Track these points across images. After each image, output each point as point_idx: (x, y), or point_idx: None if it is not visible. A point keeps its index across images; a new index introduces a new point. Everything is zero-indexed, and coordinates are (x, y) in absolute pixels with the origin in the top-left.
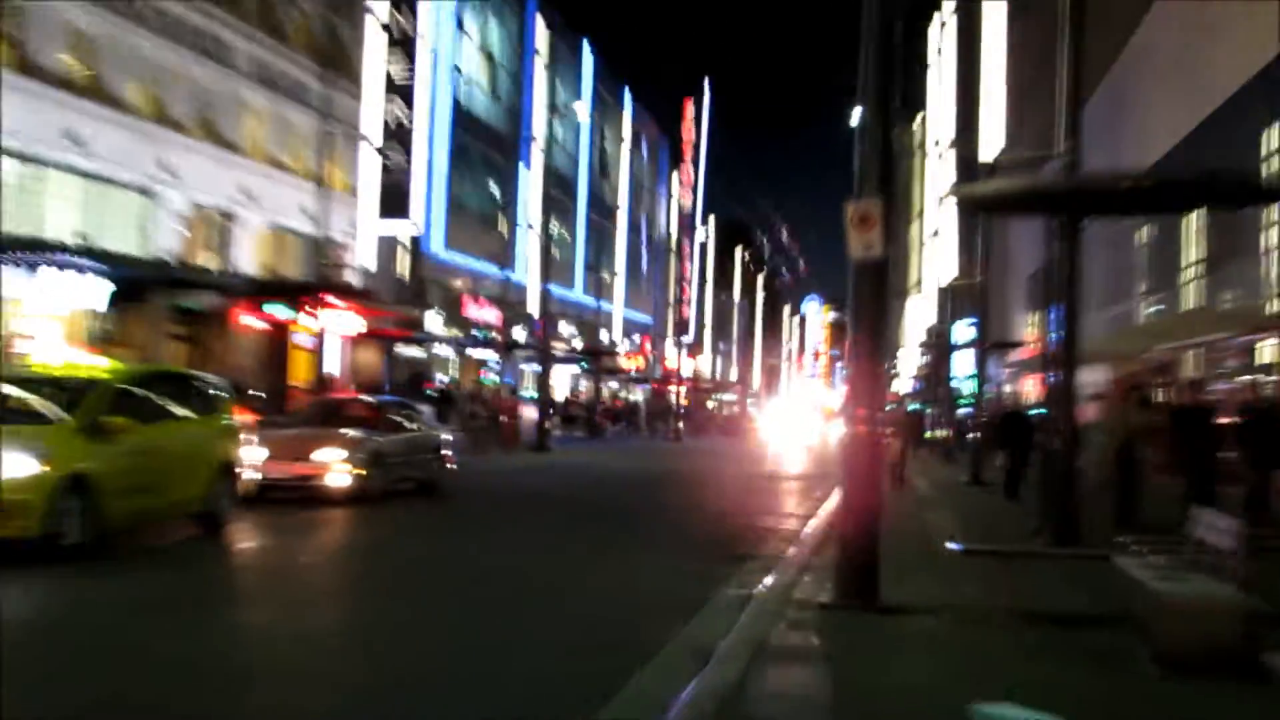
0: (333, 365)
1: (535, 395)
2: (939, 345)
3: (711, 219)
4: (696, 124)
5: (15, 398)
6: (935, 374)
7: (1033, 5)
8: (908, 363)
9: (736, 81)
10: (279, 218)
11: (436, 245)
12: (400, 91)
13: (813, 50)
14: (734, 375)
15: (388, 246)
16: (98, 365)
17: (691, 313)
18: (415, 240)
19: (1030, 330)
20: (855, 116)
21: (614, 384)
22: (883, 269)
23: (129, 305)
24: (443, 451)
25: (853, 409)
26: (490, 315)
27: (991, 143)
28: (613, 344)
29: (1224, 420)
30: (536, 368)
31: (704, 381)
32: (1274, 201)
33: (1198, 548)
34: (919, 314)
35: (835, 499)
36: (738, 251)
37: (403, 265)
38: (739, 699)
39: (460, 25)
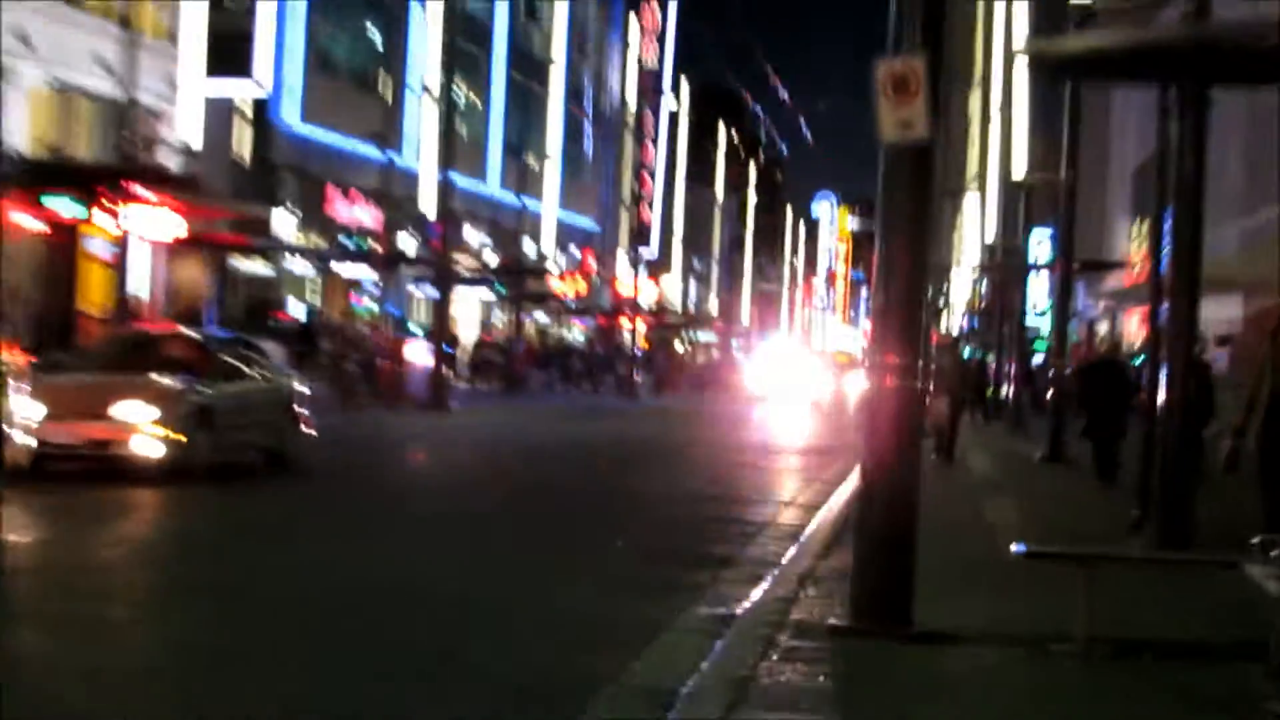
0: (140, 285)
1: (429, 331)
2: (1005, 266)
3: (685, 83)
4: None
5: None
6: (999, 307)
7: None
8: (962, 291)
9: None
10: (65, 72)
11: (290, 116)
12: None
13: None
14: (714, 307)
15: (221, 117)
16: None
17: (655, 217)
18: (260, 108)
19: (1134, 246)
20: None
21: (543, 316)
22: (927, 157)
23: None
24: (297, 409)
25: (880, 354)
26: (366, 216)
27: None
28: (541, 259)
29: None
30: (433, 292)
31: (671, 314)
32: None
33: None
34: (979, 222)
35: (853, 481)
36: (721, 130)
37: (242, 143)
38: None
39: None
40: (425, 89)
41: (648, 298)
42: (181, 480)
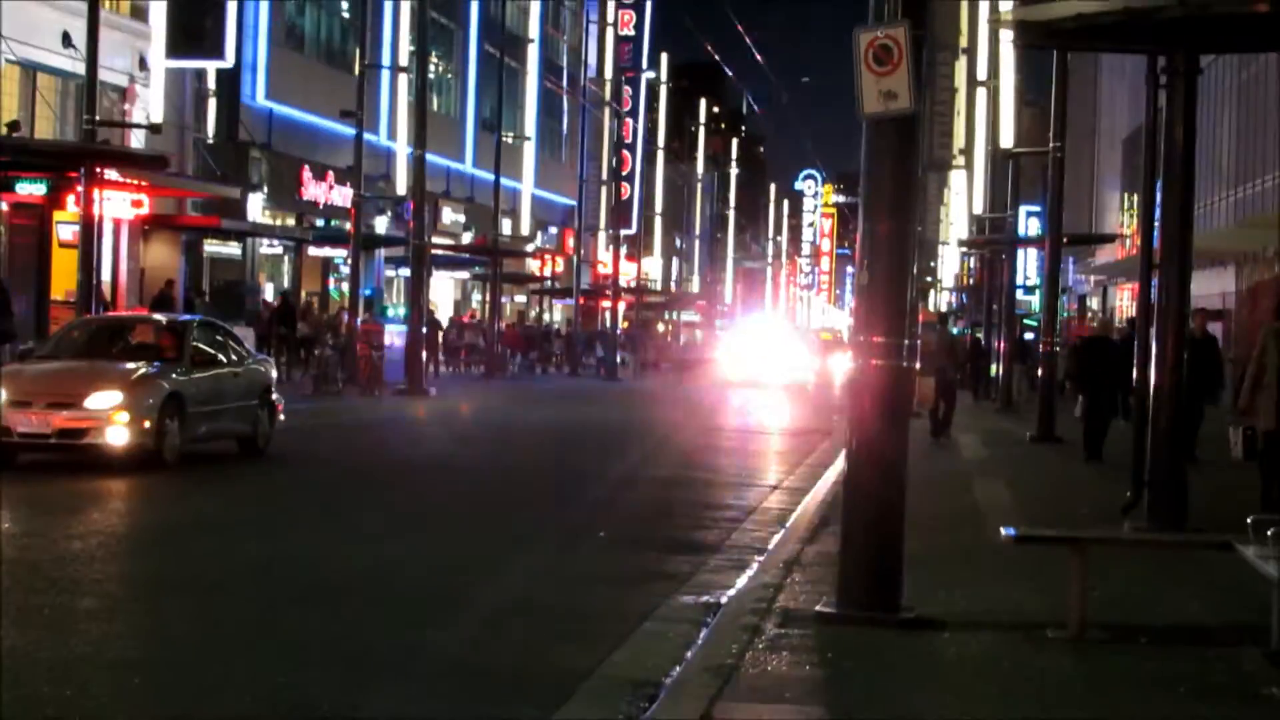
0: (109, 269)
1: (407, 313)
2: (994, 241)
3: (664, 58)
4: None
5: None
6: (988, 283)
7: None
8: (950, 267)
9: None
10: (27, 49)
11: (259, 94)
12: None
13: None
14: (697, 285)
15: (191, 95)
16: None
17: (635, 194)
18: (228, 86)
19: (1125, 219)
20: None
21: (521, 297)
22: (911, 129)
23: None
24: (270, 395)
25: (865, 333)
26: (339, 197)
27: None
28: (519, 238)
29: None
30: (408, 273)
31: (653, 293)
32: None
33: None
34: (966, 196)
35: (840, 464)
36: (702, 105)
37: (212, 122)
38: None
39: None
40: (399, 65)
41: (628, 277)
42: (152, 469)
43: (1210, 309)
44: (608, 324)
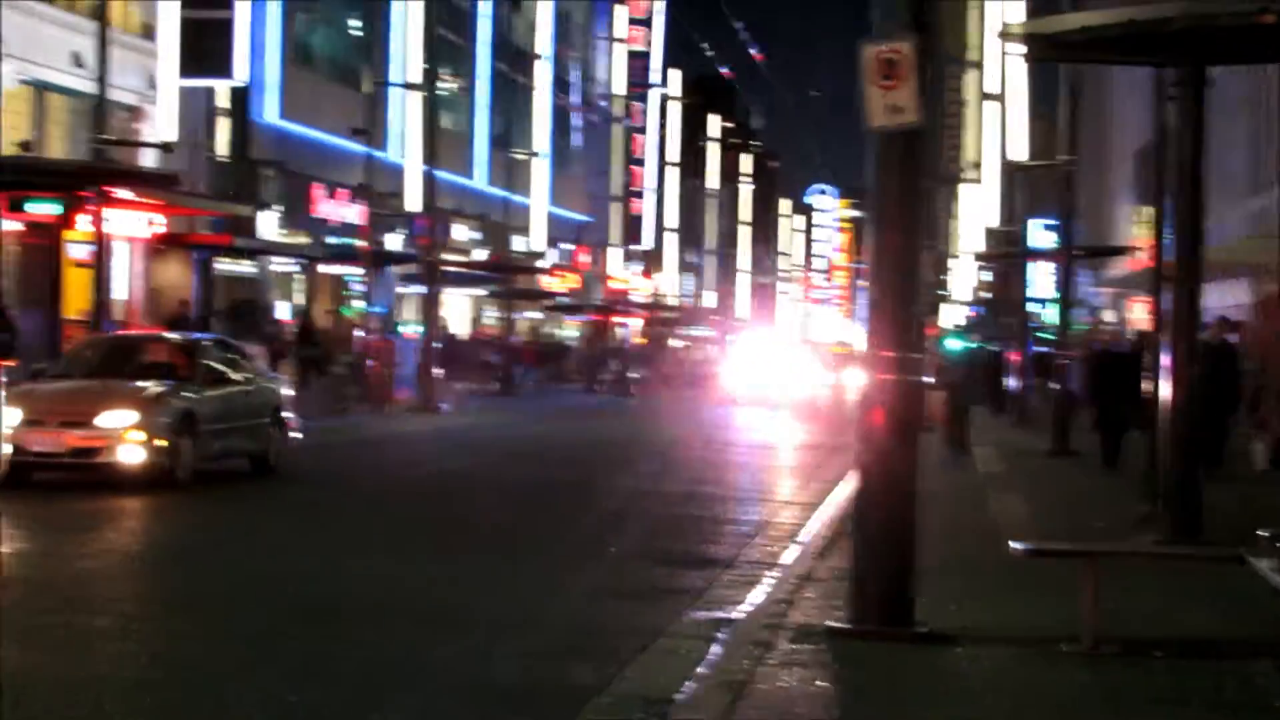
0: (122, 287)
1: (421, 330)
2: (1006, 255)
3: (676, 74)
4: None
5: None
6: (1002, 296)
7: None
8: (963, 280)
9: None
10: (39, 69)
11: (270, 112)
12: None
13: None
14: (710, 300)
15: (200, 114)
16: None
17: (648, 210)
18: (239, 105)
19: (1138, 231)
20: None
21: (535, 314)
22: (918, 142)
23: None
24: (282, 413)
25: (875, 348)
26: (351, 213)
27: None
28: (532, 255)
29: None
30: (421, 290)
31: (667, 310)
32: None
33: None
34: (978, 209)
35: (852, 479)
36: (714, 120)
37: (223, 140)
38: None
39: None
40: (409, 83)
41: (641, 293)
42: (165, 487)
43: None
44: (622, 340)
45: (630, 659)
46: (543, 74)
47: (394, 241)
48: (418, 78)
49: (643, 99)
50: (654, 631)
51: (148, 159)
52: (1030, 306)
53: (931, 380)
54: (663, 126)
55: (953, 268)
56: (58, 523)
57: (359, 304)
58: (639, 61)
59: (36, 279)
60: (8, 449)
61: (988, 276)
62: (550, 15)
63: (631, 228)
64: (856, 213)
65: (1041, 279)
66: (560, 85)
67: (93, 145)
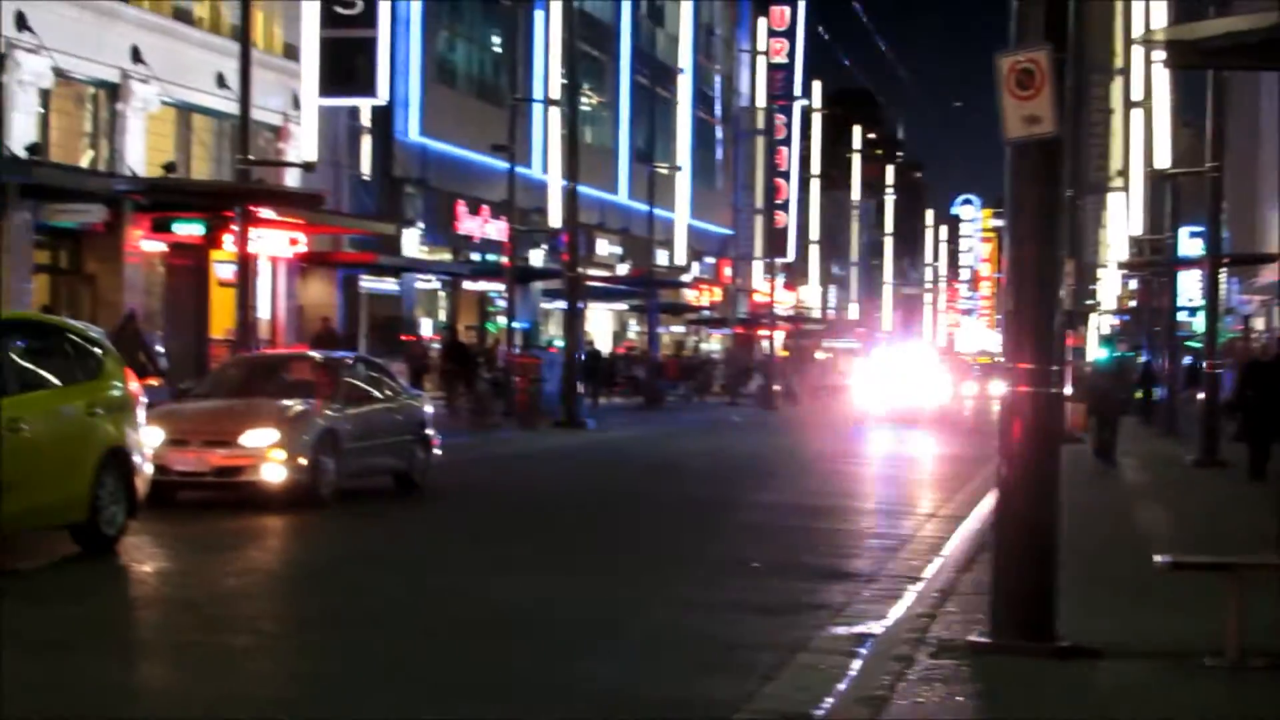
0: (266, 307)
1: (561, 344)
2: (1153, 264)
3: (817, 85)
4: None
5: None
6: (1149, 305)
7: None
8: (1109, 290)
9: None
10: (183, 91)
11: (412, 130)
12: None
13: None
14: (854, 312)
15: (344, 132)
16: None
17: (791, 222)
18: (382, 123)
19: None
20: None
21: (678, 327)
22: (1055, 153)
23: None
24: (425, 431)
25: (1013, 360)
26: (494, 231)
27: None
28: (675, 269)
29: None
30: (562, 304)
31: (811, 322)
32: None
33: None
34: (1124, 219)
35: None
36: (857, 131)
37: (366, 159)
38: None
39: None
40: (550, 99)
41: (785, 306)
42: (308, 506)
43: None
44: (765, 352)
45: (771, 674)
46: (684, 87)
47: (537, 257)
48: (558, 93)
49: (785, 111)
50: (795, 646)
51: (291, 178)
52: (1178, 315)
53: (1070, 391)
54: (805, 138)
55: (1100, 277)
56: (200, 542)
57: (502, 320)
58: (780, 73)
59: (182, 299)
60: (150, 469)
61: (1134, 285)
62: (691, 29)
63: (775, 240)
64: (1000, 222)
65: (1189, 287)
66: (702, 98)
67: (236, 166)
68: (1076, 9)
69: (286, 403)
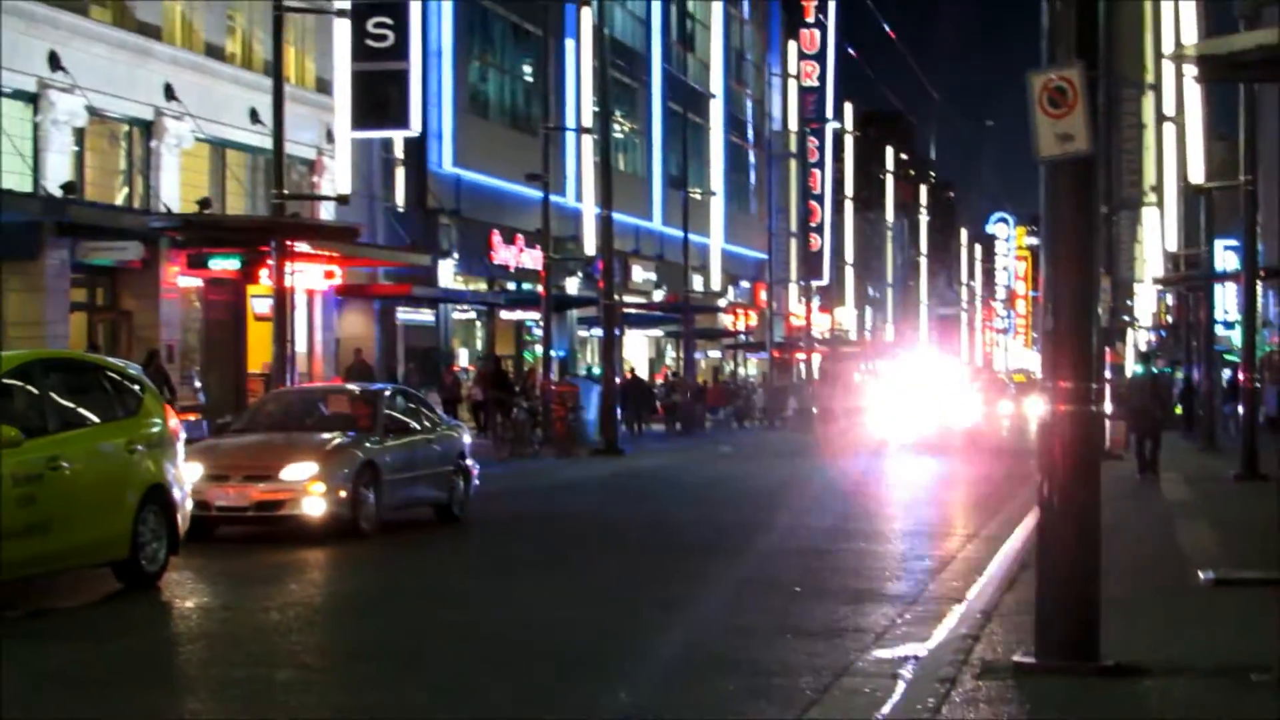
0: (305, 339)
1: (597, 372)
2: (1189, 278)
3: (849, 107)
4: None
5: None
6: (1186, 320)
7: None
8: (1146, 305)
9: None
10: (217, 126)
11: (445, 161)
12: None
13: None
14: (891, 334)
15: (378, 165)
16: None
17: (826, 245)
18: (415, 154)
19: None
20: None
21: (715, 352)
22: (1089, 170)
23: (5, 262)
24: (466, 462)
25: (1052, 379)
26: (530, 259)
27: None
28: (711, 294)
29: None
30: (599, 332)
31: (847, 344)
32: None
33: None
34: (1159, 234)
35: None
36: (889, 153)
37: (400, 190)
38: None
39: None
40: (582, 127)
41: (821, 328)
42: (349, 538)
43: None
44: (801, 376)
45: (815, 698)
46: (716, 112)
47: (573, 285)
48: (591, 121)
49: (817, 134)
50: (838, 670)
51: (325, 212)
52: (1216, 329)
53: (1110, 409)
54: (838, 160)
55: (1137, 293)
56: (241, 577)
57: (539, 349)
58: (812, 96)
59: (220, 335)
60: (191, 504)
61: (1171, 300)
62: (722, 54)
63: (810, 263)
64: (1035, 240)
65: (1226, 301)
66: (734, 123)
67: (271, 200)
68: (1108, 26)
69: (326, 436)
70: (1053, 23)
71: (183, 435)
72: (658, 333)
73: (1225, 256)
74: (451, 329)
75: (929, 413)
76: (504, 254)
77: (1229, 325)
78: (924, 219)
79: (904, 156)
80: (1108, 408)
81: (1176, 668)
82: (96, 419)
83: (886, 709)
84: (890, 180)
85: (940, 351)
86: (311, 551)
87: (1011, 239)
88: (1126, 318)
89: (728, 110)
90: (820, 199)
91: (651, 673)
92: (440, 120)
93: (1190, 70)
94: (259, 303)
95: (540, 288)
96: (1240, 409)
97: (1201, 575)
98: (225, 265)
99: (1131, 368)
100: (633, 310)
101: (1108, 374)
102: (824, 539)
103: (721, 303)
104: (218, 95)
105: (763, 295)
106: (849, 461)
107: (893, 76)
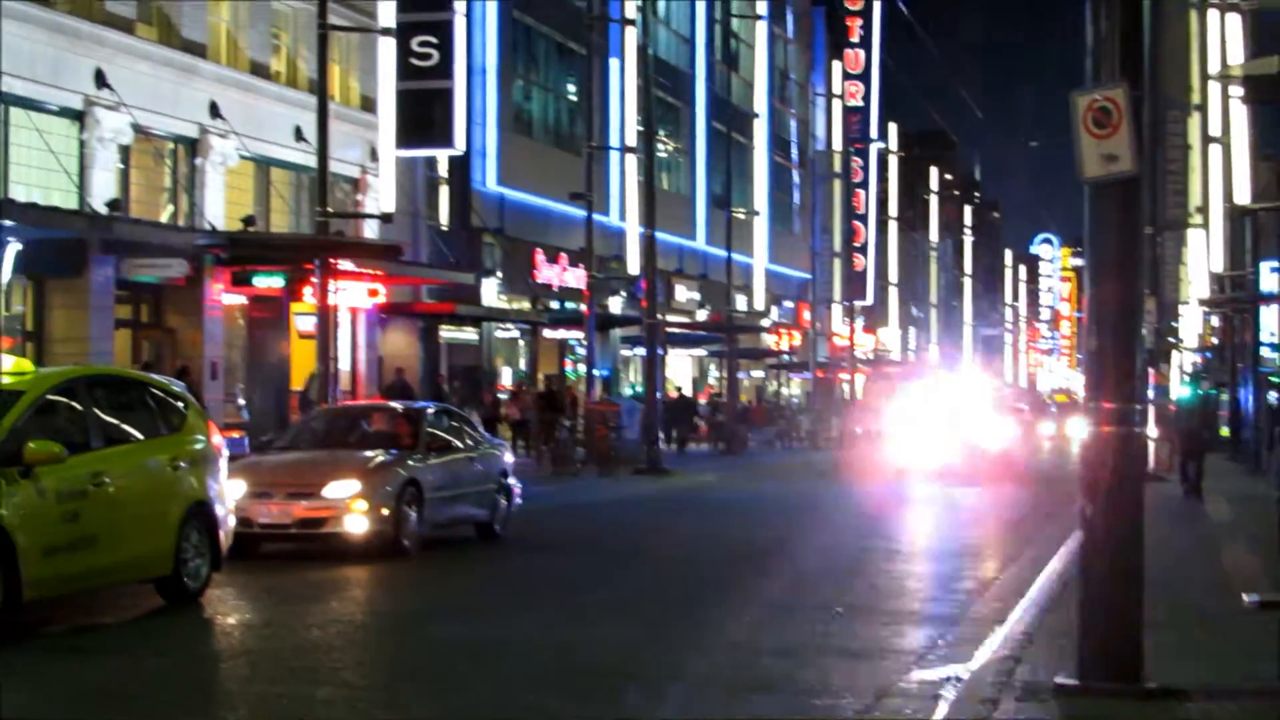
0: (348, 358)
1: (636, 391)
2: (1234, 300)
3: (893, 127)
4: None
5: None
6: (1231, 342)
7: None
8: (1191, 327)
9: None
10: (261, 144)
11: (489, 180)
12: None
13: None
14: (934, 354)
15: (422, 183)
16: (6, 368)
17: (869, 265)
18: (459, 173)
19: None
20: None
21: (758, 372)
22: (1134, 191)
23: (50, 279)
24: (508, 480)
25: (1096, 400)
26: (573, 278)
27: None
28: (754, 314)
29: None
30: (642, 351)
31: (891, 365)
32: None
33: None
34: (1204, 255)
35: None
36: (933, 173)
37: (444, 209)
38: None
39: None
40: (626, 146)
41: (865, 349)
42: (391, 556)
43: None
44: (845, 395)
45: (856, 719)
46: (760, 132)
47: (616, 304)
48: (635, 141)
49: (861, 154)
50: (880, 691)
51: (369, 230)
52: (1262, 351)
53: (1154, 430)
54: (882, 180)
55: (1182, 314)
56: (283, 593)
57: (582, 368)
58: (856, 116)
59: (263, 352)
60: (233, 521)
61: (1216, 321)
62: (766, 74)
63: (854, 283)
64: (1080, 261)
65: (1272, 322)
66: (778, 143)
67: (315, 218)
68: (1152, 46)
69: (368, 454)
70: (1097, 42)
71: (226, 452)
72: (701, 352)
73: (1271, 278)
74: (494, 348)
75: (956, 436)
76: (547, 273)
77: (1275, 347)
78: (968, 239)
79: (948, 177)
80: (1151, 429)
81: (1220, 691)
82: (140, 435)
83: None
84: (934, 200)
85: (975, 371)
86: (354, 569)
87: (1056, 259)
88: (1172, 339)
89: (772, 130)
90: (864, 219)
91: (692, 692)
92: (484, 139)
93: (1236, 91)
94: (303, 320)
95: (584, 307)
96: None
97: (1246, 598)
98: (269, 283)
99: (1178, 389)
100: (676, 330)
101: (1151, 394)
102: (864, 559)
103: (765, 322)
104: (262, 113)
105: (806, 315)
106: (892, 481)
107: (937, 96)
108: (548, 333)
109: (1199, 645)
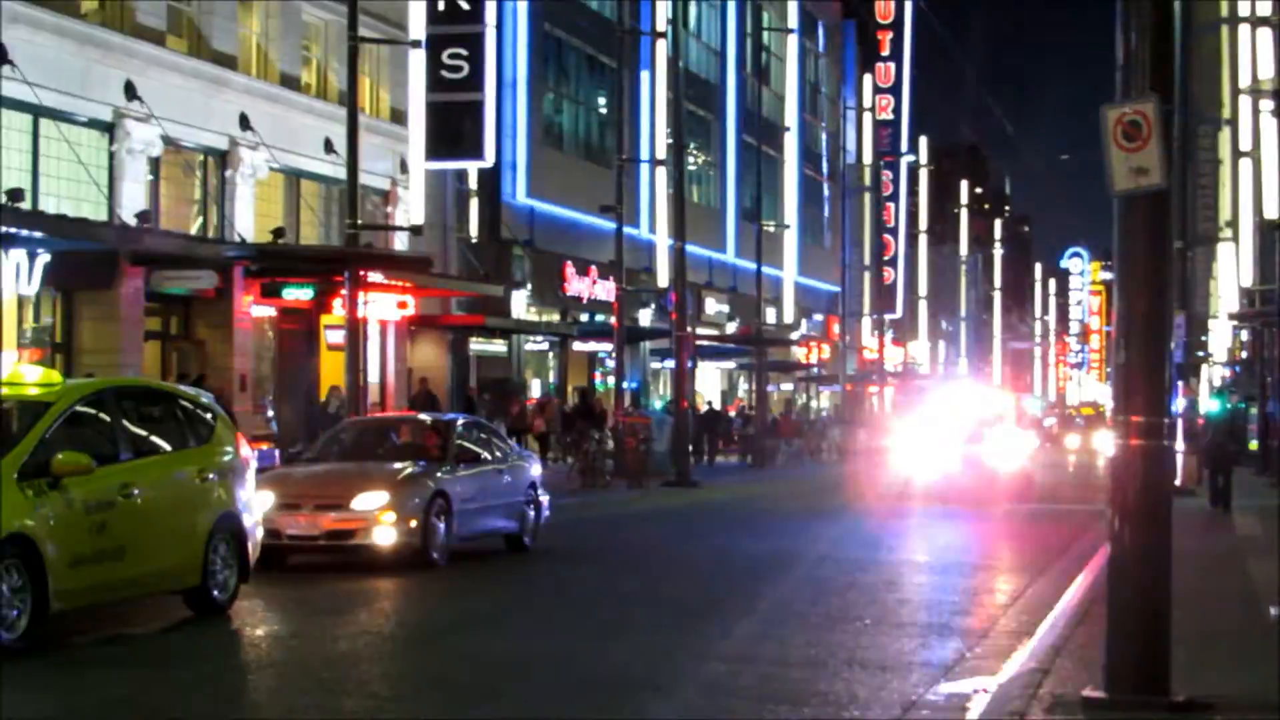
0: (377, 369)
1: (665, 403)
2: (1263, 314)
3: (924, 141)
4: None
5: None
6: (1260, 356)
7: None
8: (1221, 340)
9: None
10: (291, 156)
11: (519, 192)
12: None
13: None
14: (964, 367)
15: (452, 195)
16: (34, 379)
17: (899, 278)
18: (489, 185)
19: None
20: None
21: (787, 385)
22: (1163, 205)
23: (80, 291)
24: (537, 492)
25: (1124, 413)
26: (603, 291)
27: None
28: (784, 327)
29: None
30: (671, 364)
31: (920, 378)
32: None
33: None
34: (1234, 269)
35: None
36: (964, 186)
37: (474, 221)
38: None
39: None
40: (656, 159)
41: (894, 362)
42: (420, 568)
43: None
44: (874, 409)
45: None
46: (790, 145)
47: (645, 317)
48: (665, 153)
49: (892, 167)
50: (907, 704)
51: (399, 242)
52: None
53: (1182, 444)
54: (912, 194)
55: (1211, 328)
56: (312, 605)
57: (611, 380)
58: (887, 130)
59: (293, 364)
60: (262, 533)
61: (1245, 336)
62: (796, 87)
63: (883, 297)
64: (1109, 275)
65: None
66: (808, 156)
67: (345, 230)
68: (1183, 60)
69: (397, 466)
70: (1127, 56)
71: (254, 464)
72: (730, 365)
73: None
74: (524, 360)
75: (967, 454)
76: (577, 285)
77: None
78: (998, 253)
79: (979, 190)
80: (1179, 443)
81: (1246, 704)
82: (169, 447)
83: None
84: (965, 214)
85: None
86: (382, 581)
87: (1086, 273)
88: (1201, 353)
89: (802, 143)
90: (894, 232)
91: (720, 704)
92: (514, 151)
93: (1267, 105)
94: (332, 333)
95: (613, 319)
96: None
97: (1272, 611)
98: (299, 295)
99: (1207, 403)
100: (705, 342)
101: (1181, 407)
102: (891, 572)
103: (794, 335)
104: (292, 125)
105: (835, 328)
106: (921, 496)
107: (968, 110)
108: (577, 345)
109: (1226, 658)
